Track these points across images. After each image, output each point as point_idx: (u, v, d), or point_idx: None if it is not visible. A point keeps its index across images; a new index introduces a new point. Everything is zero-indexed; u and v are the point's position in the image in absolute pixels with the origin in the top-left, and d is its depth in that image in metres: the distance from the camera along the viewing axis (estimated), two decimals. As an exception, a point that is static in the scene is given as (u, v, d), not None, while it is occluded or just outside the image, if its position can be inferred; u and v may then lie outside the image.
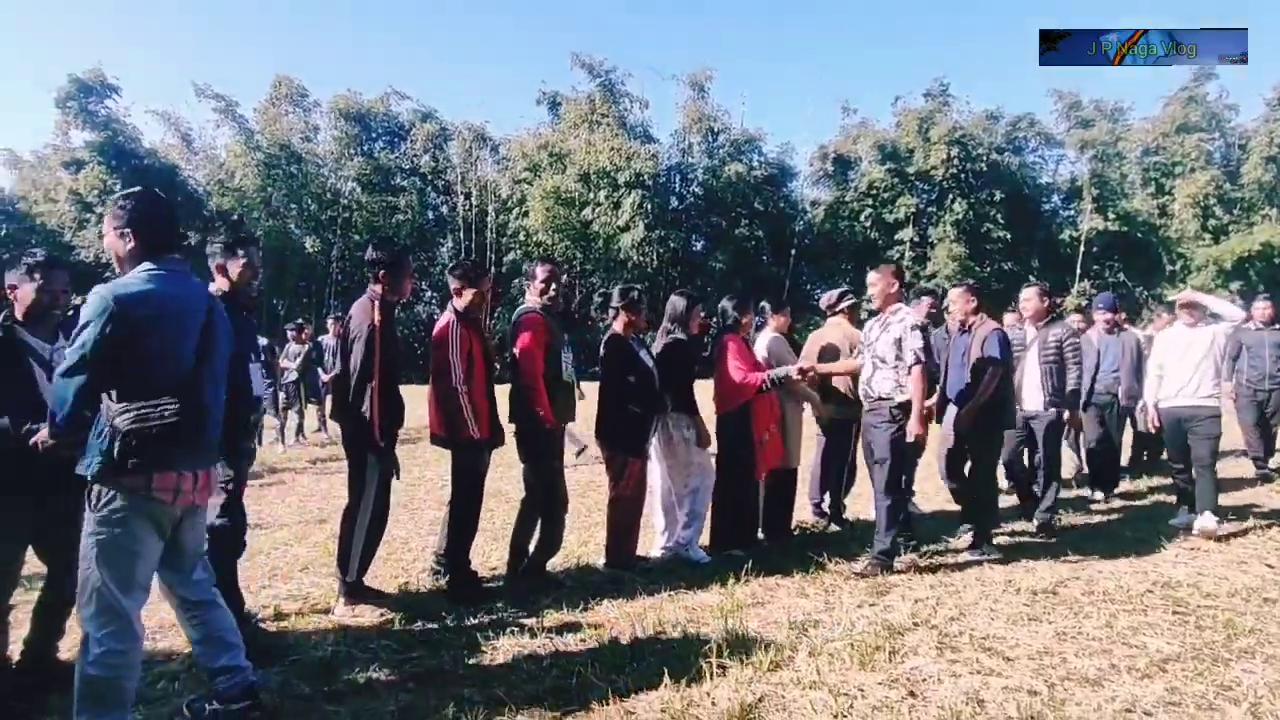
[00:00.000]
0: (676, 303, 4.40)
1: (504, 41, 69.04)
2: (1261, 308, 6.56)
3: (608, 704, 2.49)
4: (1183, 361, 4.79)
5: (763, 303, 5.12)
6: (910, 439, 3.95)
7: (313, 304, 30.34)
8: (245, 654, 2.40)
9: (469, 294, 3.61)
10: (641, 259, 30.09)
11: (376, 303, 3.35)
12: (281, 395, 9.23)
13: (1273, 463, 6.62)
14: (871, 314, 4.45)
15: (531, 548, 3.89)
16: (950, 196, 30.55)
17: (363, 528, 3.38)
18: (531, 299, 3.88)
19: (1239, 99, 31.30)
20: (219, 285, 2.88)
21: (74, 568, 2.14)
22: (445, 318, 3.61)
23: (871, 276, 4.28)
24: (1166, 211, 30.66)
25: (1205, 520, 4.56)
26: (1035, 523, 4.99)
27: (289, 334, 10.00)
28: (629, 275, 28.66)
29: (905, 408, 3.98)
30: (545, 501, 3.78)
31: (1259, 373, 6.40)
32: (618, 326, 4.14)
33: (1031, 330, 5.15)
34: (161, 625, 3.08)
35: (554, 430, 3.78)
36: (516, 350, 3.67)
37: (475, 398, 3.48)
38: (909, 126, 31.19)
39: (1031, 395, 5.00)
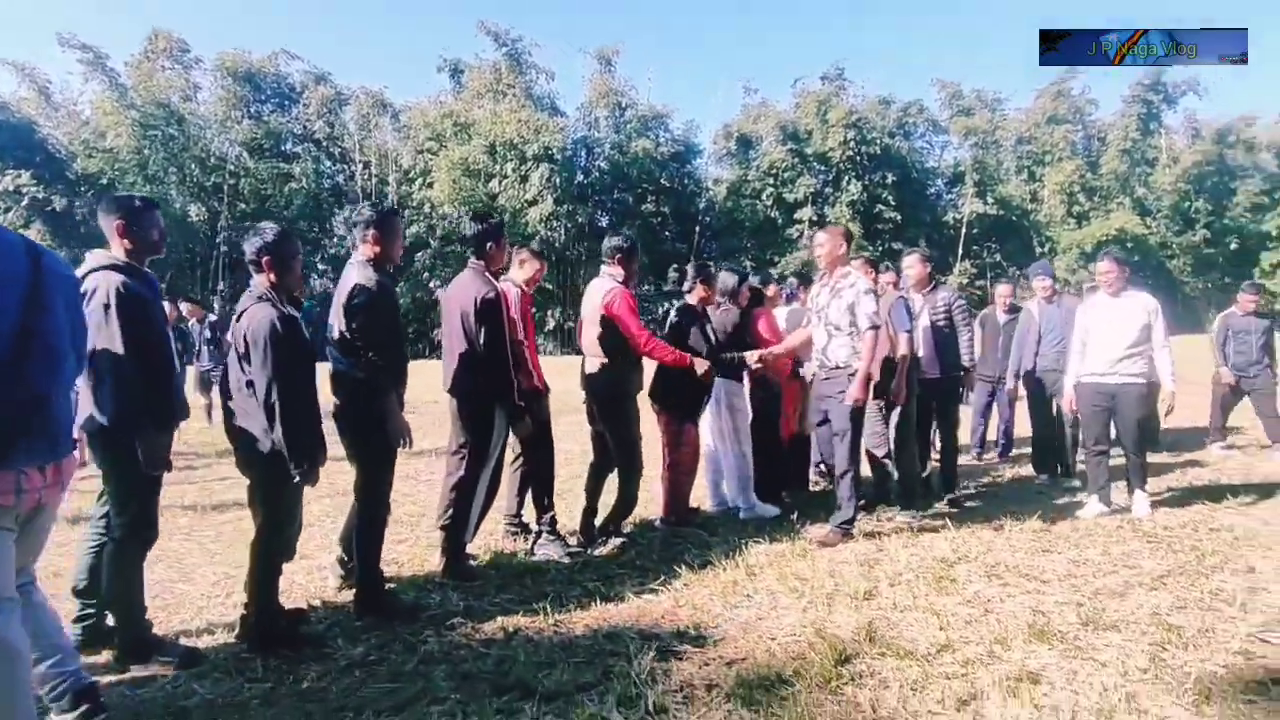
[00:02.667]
0: (727, 279, 4.64)
1: (401, 4, 66.00)
2: (1249, 298, 6.60)
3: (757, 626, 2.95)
4: (1108, 333, 4.42)
5: (790, 278, 5.36)
6: (848, 401, 3.82)
7: (197, 278, 28.73)
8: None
9: (532, 267, 4.09)
10: (550, 233, 30.03)
11: (487, 274, 3.55)
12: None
13: (1241, 440, 6.74)
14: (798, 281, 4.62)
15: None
16: (846, 178, 31.95)
17: (483, 487, 3.58)
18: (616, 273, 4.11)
19: (1099, 95, 34.08)
20: (116, 253, 2.64)
21: None
22: (609, 286, 3.96)
23: (819, 237, 4.10)
24: (1037, 197, 33.17)
25: (1140, 503, 4.40)
26: (944, 496, 4.90)
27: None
28: (538, 248, 28.59)
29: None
30: (629, 462, 3.99)
31: (1245, 359, 6.43)
32: (692, 299, 4.42)
33: (918, 298, 5.00)
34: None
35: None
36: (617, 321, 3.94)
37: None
38: (808, 108, 32.28)
39: (926, 362, 4.85)
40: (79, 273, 2.52)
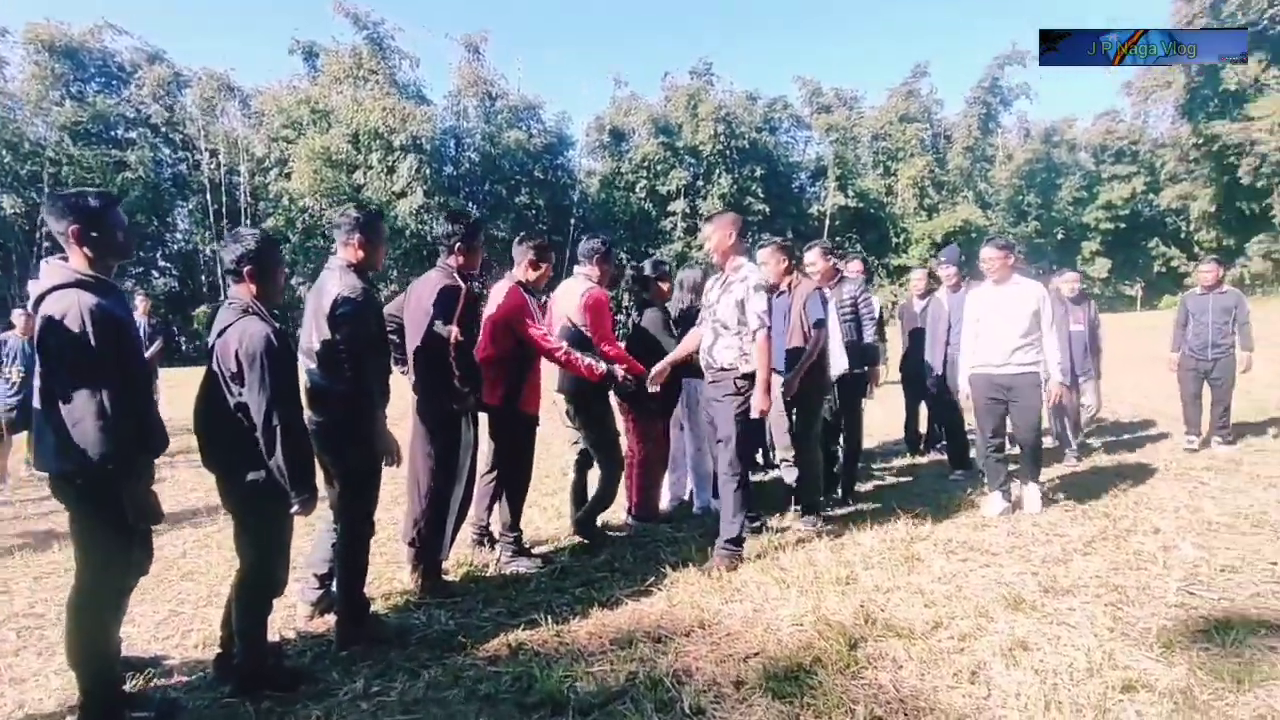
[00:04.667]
0: (694, 275, 4.59)
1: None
2: (1206, 270, 6.09)
3: (758, 618, 2.98)
4: (998, 323, 4.30)
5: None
6: (755, 414, 3.55)
7: (13, 279, 25.92)
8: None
9: (542, 269, 3.78)
10: (420, 227, 29.18)
11: (455, 275, 3.30)
12: None
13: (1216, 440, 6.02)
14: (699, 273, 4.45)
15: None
16: (717, 171, 32.95)
17: (456, 499, 3.39)
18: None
19: (944, 95, 36.82)
20: (77, 264, 2.30)
21: None
22: (508, 287, 3.67)
23: (705, 229, 3.78)
24: (892, 191, 35.57)
25: (1031, 494, 4.31)
26: (840, 491, 4.81)
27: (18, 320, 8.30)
28: (408, 244, 27.81)
29: (750, 378, 3.58)
30: (610, 459, 3.96)
31: (1201, 340, 5.91)
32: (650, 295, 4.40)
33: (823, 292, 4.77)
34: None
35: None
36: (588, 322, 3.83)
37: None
38: (678, 102, 32.93)
39: (834, 358, 4.64)
40: (34, 290, 2.23)
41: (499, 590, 3.44)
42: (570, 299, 3.93)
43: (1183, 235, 36.44)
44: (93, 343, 2.12)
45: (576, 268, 4.10)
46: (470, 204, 31.78)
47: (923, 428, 6.37)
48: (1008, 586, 3.21)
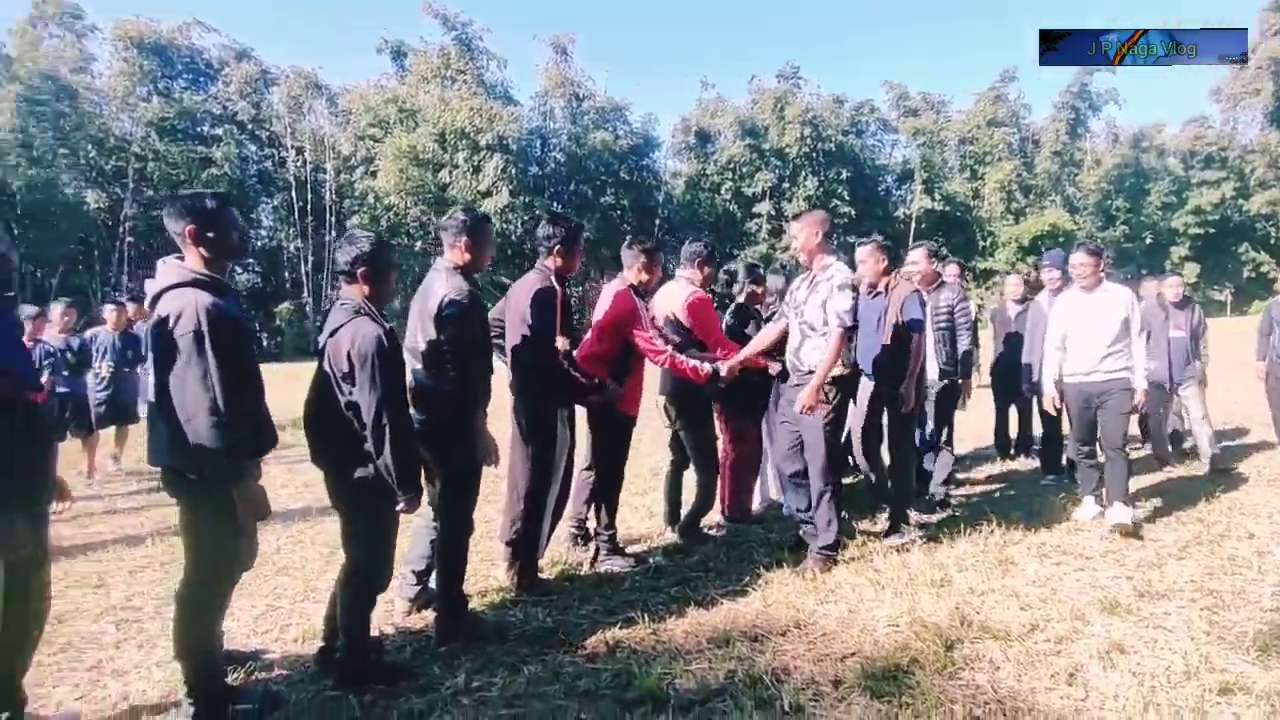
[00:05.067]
0: (778, 280, 4.52)
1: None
2: None
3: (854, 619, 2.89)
4: (1087, 330, 4.23)
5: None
6: (797, 409, 3.43)
7: (96, 272, 25.03)
8: None
9: (655, 272, 3.77)
10: (505, 226, 28.48)
11: (551, 277, 3.27)
12: None
13: None
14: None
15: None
16: (803, 173, 32.28)
17: (552, 499, 3.32)
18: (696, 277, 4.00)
19: (1032, 100, 36.31)
20: (193, 263, 2.31)
21: None
22: (618, 290, 3.68)
23: (792, 227, 3.69)
24: (979, 194, 34.67)
25: (1118, 513, 3.98)
26: (931, 497, 4.62)
27: (109, 315, 7.74)
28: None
29: (840, 382, 3.49)
30: (708, 462, 3.95)
31: None
32: (743, 299, 4.33)
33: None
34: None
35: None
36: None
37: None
38: (765, 105, 32.44)
39: (929, 364, 4.56)
40: (151, 289, 2.25)
41: (594, 589, 3.38)
42: (672, 302, 3.93)
43: (1273, 240, 35.50)
44: (207, 341, 2.16)
45: (678, 270, 4.09)
46: (555, 204, 31.24)
47: (1013, 432, 6.20)
48: (1103, 590, 3.20)
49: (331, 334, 2.45)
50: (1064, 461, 5.21)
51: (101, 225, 25.81)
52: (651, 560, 3.70)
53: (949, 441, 4.74)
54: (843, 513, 3.73)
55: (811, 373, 3.48)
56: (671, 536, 4.07)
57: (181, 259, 2.32)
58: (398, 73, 30.97)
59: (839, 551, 3.56)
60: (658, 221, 31.52)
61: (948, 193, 34.20)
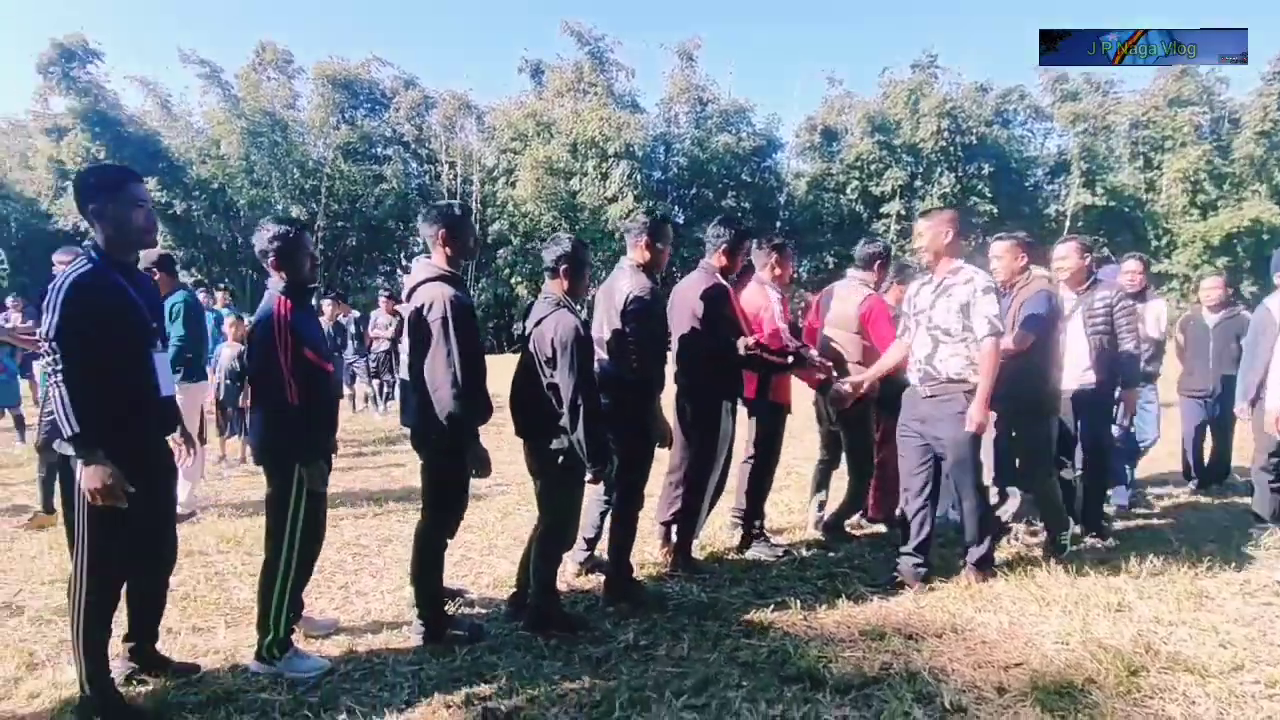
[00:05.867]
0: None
1: (480, 7, 67.54)
2: None
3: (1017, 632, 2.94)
4: None
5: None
6: (971, 427, 3.19)
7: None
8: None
9: (783, 265, 4.03)
10: (627, 225, 29.95)
11: (717, 274, 3.55)
12: (371, 363, 9.59)
13: None
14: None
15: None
16: (938, 170, 30.58)
17: (712, 485, 3.60)
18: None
19: (1230, 71, 31.10)
20: (439, 261, 2.82)
21: None
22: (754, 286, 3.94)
23: (918, 226, 3.45)
24: (1154, 186, 30.74)
25: None
26: (1084, 526, 4.21)
27: (380, 303, 10.04)
28: (618, 245, 28.59)
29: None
30: (864, 461, 4.07)
31: None
32: (890, 300, 4.35)
33: (1071, 296, 4.33)
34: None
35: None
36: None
37: None
38: (896, 98, 31.03)
39: (1074, 372, 4.21)
40: (408, 283, 2.81)
41: (743, 572, 3.59)
42: (847, 306, 3.95)
43: None
44: (450, 326, 2.56)
45: (851, 271, 4.10)
46: (677, 207, 32.24)
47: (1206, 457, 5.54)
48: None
49: (537, 323, 2.80)
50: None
51: (300, 235, 31.07)
52: (795, 553, 3.85)
53: (1100, 458, 4.27)
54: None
55: (951, 381, 3.27)
56: (815, 533, 4.17)
57: (429, 258, 2.79)
58: (536, 89, 33.45)
59: (992, 565, 3.42)
60: (778, 223, 31.43)
61: (1113, 185, 30.64)
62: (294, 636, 2.67)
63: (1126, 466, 5.01)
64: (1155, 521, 4.64)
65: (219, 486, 5.79)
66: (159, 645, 2.62)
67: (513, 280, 30.30)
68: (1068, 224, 30.51)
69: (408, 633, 2.89)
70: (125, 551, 2.30)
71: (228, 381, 6.48)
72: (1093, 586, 3.32)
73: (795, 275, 4.30)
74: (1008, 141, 31.45)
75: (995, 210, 30.00)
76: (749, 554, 3.86)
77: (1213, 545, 3.96)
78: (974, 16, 57.73)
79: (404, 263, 32.97)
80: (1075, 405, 4.21)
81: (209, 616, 3.13)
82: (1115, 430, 4.55)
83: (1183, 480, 5.56)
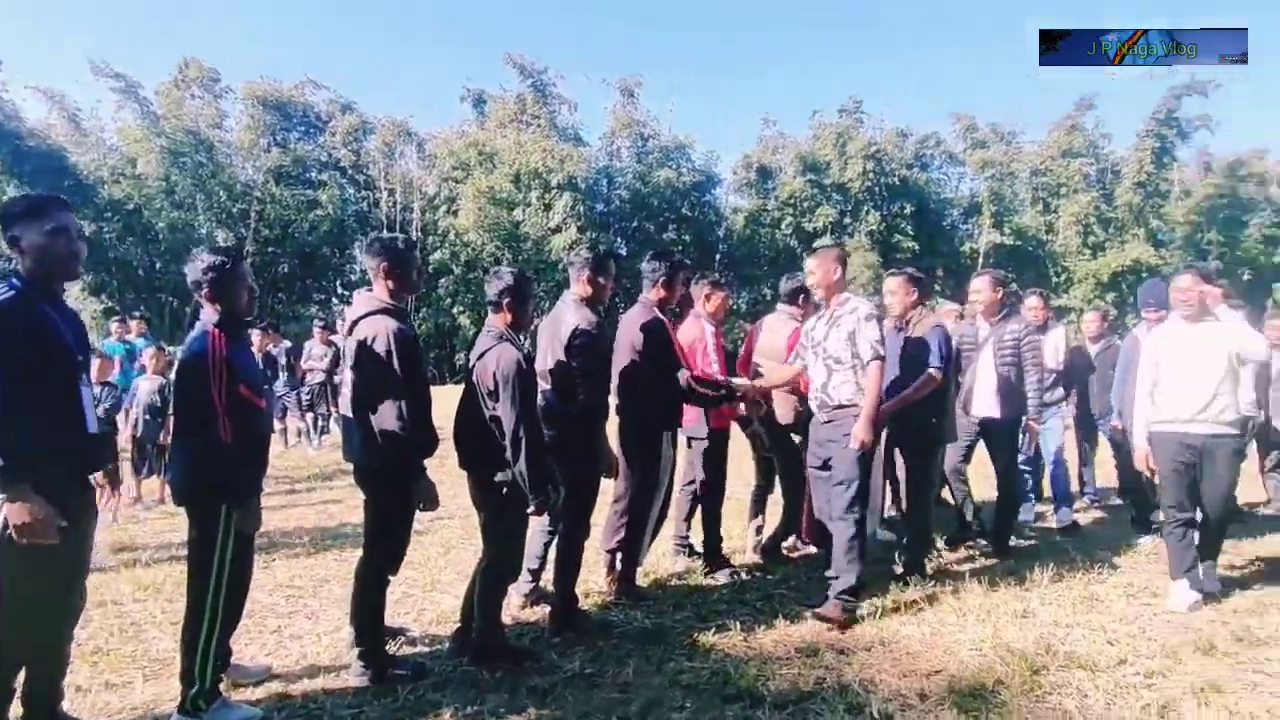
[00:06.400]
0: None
1: (423, 37, 67.57)
2: None
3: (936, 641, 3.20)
4: (1190, 370, 3.53)
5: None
6: (854, 444, 3.33)
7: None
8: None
9: (717, 299, 4.21)
10: (570, 259, 30.10)
11: (654, 309, 3.67)
12: (305, 396, 9.26)
13: None
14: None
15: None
16: (865, 208, 32.28)
17: (655, 513, 3.69)
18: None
19: (1112, 129, 34.61)
20: (380, 294, 2.81)
21: None
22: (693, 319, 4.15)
23: (810, 263, 3.62)
24: (1053, 228, 33.46)
25: (1206, 581, 3.59)
26: (993, 544, 4.51)
27: (315, 333, 9.77)
28: (560, 276, 28.73)
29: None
30: (797, 487, 4.16)
31: None
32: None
33: (985, 327, 4.55)
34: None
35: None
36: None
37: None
38: (826, 140, 32.74)
39: (983, 400, 4.41)
40: (349, 315, 2.74)
41: (685, 597, 3.71)
42: (776, 337, 4.17)
43: (1391, 276, 32.02)
44: (395, 359, 2.56)
45: (780, 306, 4.29)
46: (619, 239, 32.71)
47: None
48: (1197, 632, 3.19)
49: (480, 356, 2.82)
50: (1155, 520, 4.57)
51: (226, 260, 29.70)
52: (736, 577, 4.00)
53: (1011, 483, 4.55)
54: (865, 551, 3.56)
55: (842, 407, 3.42)
56: (753, 557, 4.31)
57: (372, 290, 2.76)
58: (478, 119, 33.58)
59: (859, 597, 3.41)
60: (717, 256, 32.42)
61: (1018, 226, 33.21)
62: (221, 686, 2.55)
63: (1030, 485, 5.48)
64: (1057, 535, 5.07)
65: (134, 530, 5.42)
66: (65, 705, 2.43)
67: (454, 310, 29.89)
68: (981, 260, 32.73)
69: (347, 675, 2.82)
70: (44, 605, 2.15)
71: (146, 417, 6.11)
72: (1002, 596, 3.63)
73: (732, 308, 4.50)
74: (926, 184, 33.66)
75: (917, 247, 31.88)
76: (715, 580, 3.97)
77: (1104, 553, 4.41)
78: (894, 68, 62.07)
79: (339, 291, 32.03)
80: (984, 432, 4.51)
81: (124, 671, 2.94)
82: (1020, 456, 4.88)
83: (1079, 495, 6.03)
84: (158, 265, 27.43)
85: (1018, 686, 2.67)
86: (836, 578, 3.37)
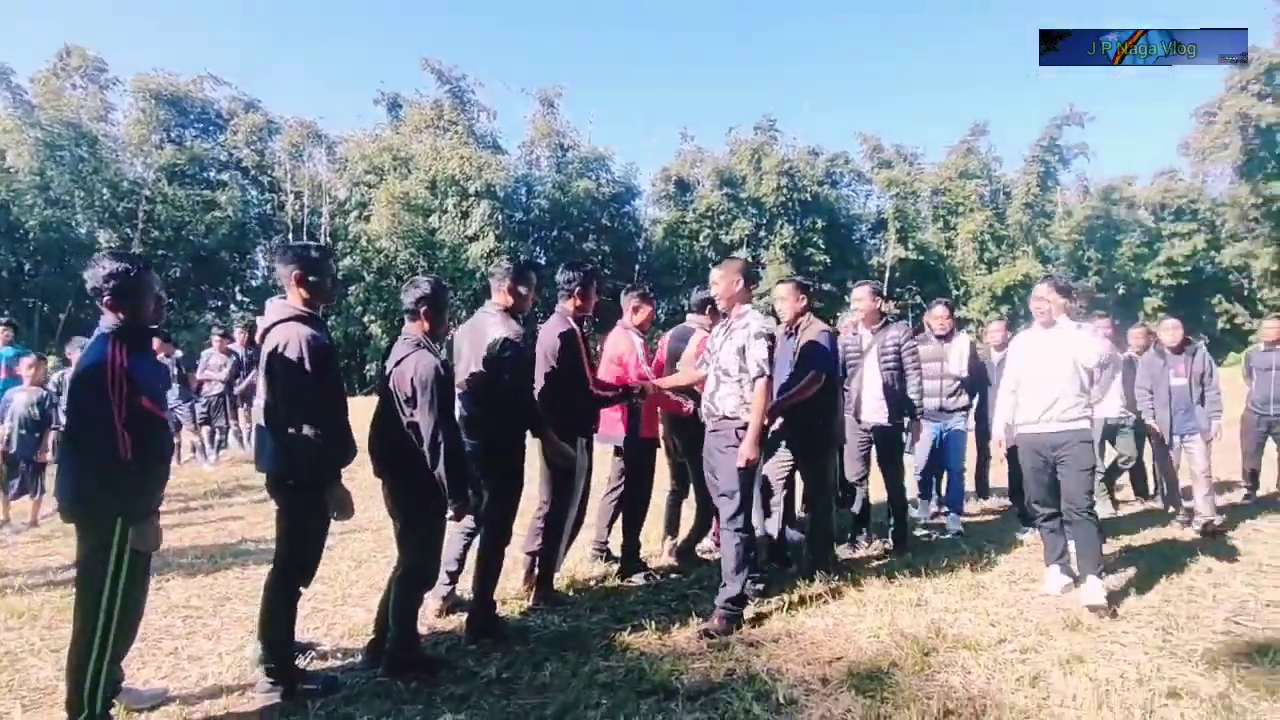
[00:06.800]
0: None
1: (336, 37, 65.32)
2: (1270, 326, 6.02)
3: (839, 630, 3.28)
4: (1043, 373, 3.79)
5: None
6: (740, 463, 3.35)
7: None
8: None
9: (644, 312, 4.37)
10: (492, 269, 29.61)
11: (570, 318, 3.72)
12: (200, 408, 8.74)
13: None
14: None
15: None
16: (779, 222, 33.44)
17: (572, 518, 3.73)
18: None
19: (1002, 153, 37.49)
20: (294, 302, 2.77)
21: None
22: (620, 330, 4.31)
23: (714, 274, 3.67)
24: (952, 244, 35.74)
25: (1092, 590, 3.62)
26: (891, 544, 4.70)
27: (214, 342, 9.26)
28: (479, 285, 28.21)
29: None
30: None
31: (1265, 395, 5.85)
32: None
33: (867, 335, 4.69)
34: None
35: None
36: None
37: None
38: (742, 156, 33.80)
39: (871, 406, 4.56)
40: (261, 324, 2.70)
41: (602, 599, 3.79)
42: (685, 346, 4.38)
43: (1246, 292, 36.11)
44: (308, 367, 2.54)
45: (691, 316, 4.47)
46: (538, 249, 32.50)
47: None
48: (1066, 612, 3.52)
49: (397, 363, 2.81)
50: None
51: (111, 263, 27.40)
52: (651, 579, 4.12)
53: (898, 484, 4.71)
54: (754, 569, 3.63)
55: (726, 418, 3.45)
56: (669, 559, 4.42)
57: (285, 298, 2.73)
58: (393, 123, 32.49)
59: (744, 607, 3.45)
60: (637, 267, 32.75)
61: (921, 242, 35.27)
62: (113, 712, 2.46)
63: (933, 485, 5.77)
64: (949, 530, 5.39)
65: (1, 556, 5.00)
66: None
67: (365, 319, 28.80)
68: (888, 274, 34.62)
69: (252, 694, 2.74)
70: None
71: (22, 432, 5.63)
72: (899, 587, 3.87)
73: (654, 319, 4.45)
74: (836, 200, 35.29)
75: (828, 260, 33.30)
76: (636, 580, 4.11)
77: (991, 546, 4.75)
78: (806, 87, 64.90)
79: (238, 297, 30.20)
80: (875, 437, 4.66)
81: (2, 700, 2.79)
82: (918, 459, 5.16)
83: (973, 497, 6.46)
84: (27, 267, 25.07)
85: (910, 668, 2.89)
86: (724, 585, 3.43)
